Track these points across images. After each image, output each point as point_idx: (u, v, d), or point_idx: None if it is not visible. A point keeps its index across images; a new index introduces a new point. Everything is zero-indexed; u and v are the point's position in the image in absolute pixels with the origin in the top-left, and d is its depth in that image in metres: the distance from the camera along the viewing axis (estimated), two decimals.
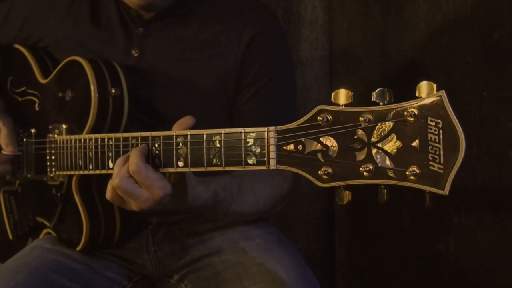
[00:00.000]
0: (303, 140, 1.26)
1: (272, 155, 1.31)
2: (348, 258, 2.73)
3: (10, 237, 2.10)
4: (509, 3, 2.02)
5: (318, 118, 1.23)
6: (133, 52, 1.92)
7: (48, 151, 1.89)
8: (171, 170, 1.49)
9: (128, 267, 1.95)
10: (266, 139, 1.33)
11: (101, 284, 1.88)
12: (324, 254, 2.82)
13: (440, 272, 2.30)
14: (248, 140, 1.35)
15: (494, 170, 2.10)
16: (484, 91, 2.10)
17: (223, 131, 1.40)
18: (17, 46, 2.10)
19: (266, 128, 1.33)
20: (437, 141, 1.11)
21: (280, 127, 1.31)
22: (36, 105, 2.00)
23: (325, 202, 2.78)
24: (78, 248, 1.84)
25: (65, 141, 1.80)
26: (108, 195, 1.55)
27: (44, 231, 1.97)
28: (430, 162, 1.12)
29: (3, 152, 1.98)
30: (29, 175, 1.99)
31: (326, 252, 2.82)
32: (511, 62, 2.03)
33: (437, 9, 2.21)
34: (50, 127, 1.90)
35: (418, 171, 1.12)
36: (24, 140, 2.00)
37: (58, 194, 1.87)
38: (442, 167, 1.11)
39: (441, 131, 1.11)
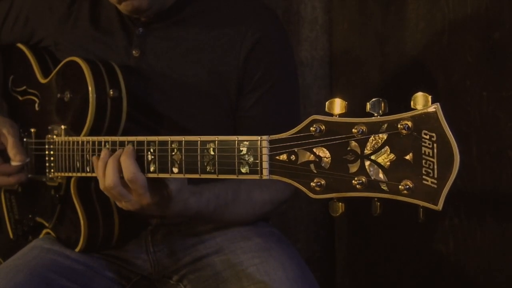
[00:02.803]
0: (296, 150, 1.24)
1: (265, 164, 1.30)
2: (348, 258, 2.73)
3: (11, 236, 2.11)
4: (509, 3, 2.00)
5: (311, 128, 1.21)
6: (134, 52, 1.91)
7: (47, 152, 1.90)
8: (166, 176, 1.50)
9: (128, 268, 1.95)
10: (259, 148, 1.32)
11: (100, 285, 1.89)
12: (324, 254, 2.82)
13: (440, 272, 2.29)
14: (241, 148, 1.34)
15: (494, 170, 2.09)
16: (484, 91, 2.08)
17: (217, 139, 1.39)
18: (19, 45, 2.10)
19: (259, 137, 1.32)
20: (431, 155, 1.09)
21: (273, 137, 1.30)
22: (36, 105, 2.00)
23: (325, 202, 2.78)
24: (77, 249, 1.84)
25: (63, 143, 1.80)
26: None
27: (44, 231, 1.98)
28: (424, 176, 1.10)
29: (12, 163, 1.93)
30: (29, 175, 1.99)
31: (326, 252, 2.82)
32: (511, 62, 2.02)
33: (437, 9, 2.19)
34: (49, 127, 1.91)
35: (411, 185, 1.11)
36: (25, 140, 2.00)
37: (57, 195, 1.88)
38: (435, 181, 1.09)
39: (435, 145, 1.09)
